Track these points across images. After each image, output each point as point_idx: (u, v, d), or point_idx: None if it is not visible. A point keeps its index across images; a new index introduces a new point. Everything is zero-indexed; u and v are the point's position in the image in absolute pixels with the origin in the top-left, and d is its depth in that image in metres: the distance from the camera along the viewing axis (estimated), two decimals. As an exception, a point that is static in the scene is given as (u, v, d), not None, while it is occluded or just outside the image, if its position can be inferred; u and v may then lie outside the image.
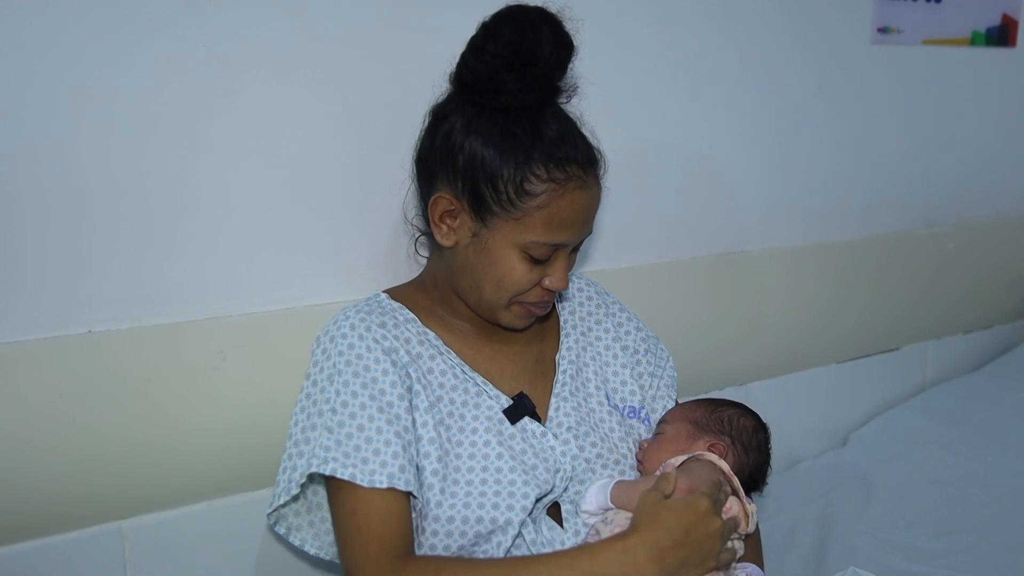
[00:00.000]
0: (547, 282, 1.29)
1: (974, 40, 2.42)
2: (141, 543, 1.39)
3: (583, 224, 1.28)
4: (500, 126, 1.23)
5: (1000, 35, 2.48)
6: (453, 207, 1.27)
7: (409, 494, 1.23)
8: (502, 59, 1.21)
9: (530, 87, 1.22)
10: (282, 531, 1.35)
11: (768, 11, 2.02)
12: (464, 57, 1.26)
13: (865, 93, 2.24)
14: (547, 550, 1.27)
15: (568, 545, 1.29)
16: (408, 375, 1.28)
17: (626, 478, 1.34)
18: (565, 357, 1.42)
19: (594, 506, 1.29)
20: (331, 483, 1.24)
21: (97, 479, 1.38)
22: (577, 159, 1.24)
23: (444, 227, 1.29)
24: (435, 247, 1.37)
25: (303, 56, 1.46)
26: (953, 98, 2.43)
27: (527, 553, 1.26)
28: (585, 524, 1.30)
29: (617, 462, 1.36)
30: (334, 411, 1.25)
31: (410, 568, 1.17)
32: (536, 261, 1.26)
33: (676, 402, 1.50)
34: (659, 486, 1.20)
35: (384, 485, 1.20)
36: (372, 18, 1.50)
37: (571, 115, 1.31)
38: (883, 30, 2.22)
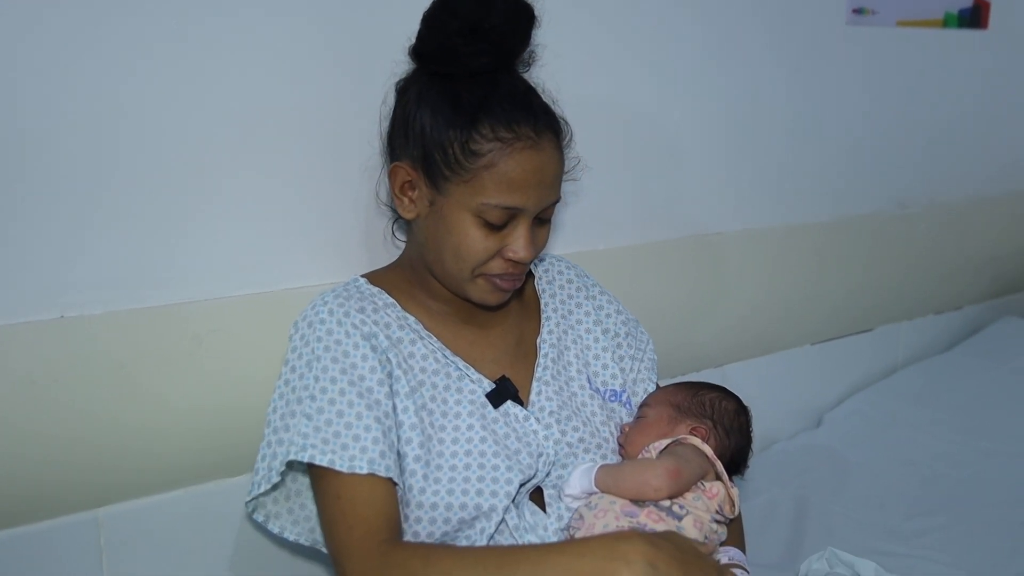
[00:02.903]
0: (509, 252, 1.26)
1: (947, 21, 2.44)
2: (117, 531, 1.37)
3: (538, 187, 1.24)
4: (450, 92, 1.23)
5: (972, 17, 2.49)
6: (411, 177, 1.27)
7: (391, 480, 1.21)
8: (454, 27, 1.21)
9: (483, 51, 1.22)
10: (261, 519, 1.34)
11: (744, -8, 2.02)
12: (419, 30, 1.26)
13: (839, 74, 2.25)
14: (530, 535, 1.27)
15: (551, 529, 1.28)
16: (388, 360, 1.27)
17: (609, 462, 1.33)
18: (547, 340, 1.41)
19: (578, 490, 1.28)
20: (314, 470, 1.23)
21: (72, 467, 1.36)
22: (527, 120, 1.23)
23: (406, 199, 1.29)
24: (407, 226, 1.37)
25: (275, 38, 1.43)
26: (925, 79, 2.45)
27: (510, 539, 1.26)
28: (568, 508, 1.29)
29: (599, 446, 1.35)
30: (313, 397, 1.23)
31: (397, 552, 1.15)
32: (492, 227, 1.24)
33: (657, 385, 1.50)
34: None
35: (364, 471, 1.18)
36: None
37: (530, 83, 1.30)
38: (858, 11, 2.22)
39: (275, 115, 1.45)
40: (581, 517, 1.25)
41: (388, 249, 1.51)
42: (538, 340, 1.41)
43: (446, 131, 1.22)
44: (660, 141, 1.96)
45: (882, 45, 2.31)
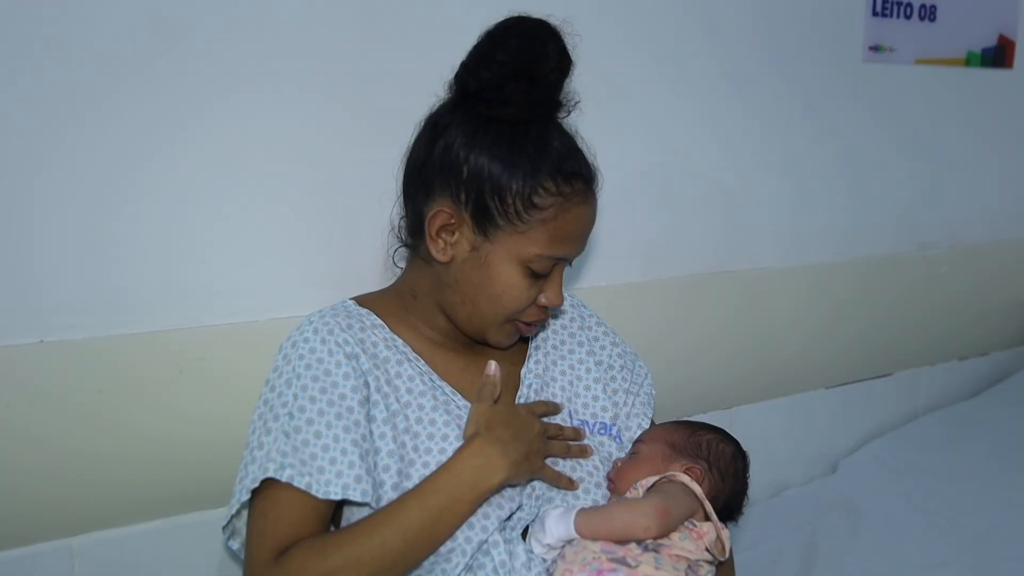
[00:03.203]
0: (543, 299, 1.27)
1: (969, 60, 2.39)
2: (91, 562, 1.34)
3: (583, 239, 1.27)
4: (507, 139, 1.21)
5: (996, 56, 2.44)
6: (453, 221, 1.23)
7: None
8: (510, 69, 1.18)
9: (536, 100, 1.21)
10: (236, 547, 1.29)
11: (759, 28, 1.99)
12: (469, 65, 1.22)
13: (856, 112, 2.20)
14: (524, 571, 1.22)
15: (535, 564, 1.23)
16: (367, 384, 1.24)
17: (584, 505, 1.27)
18: (532, 371, 1.38)
19: (554, 538, 1.21)
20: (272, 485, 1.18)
21: (46, 494, 1.34)
22: (582, 173, 1.24)
23: (441, 242, 1.25)
24: (419, 259, 1.32)
25: (271, 66, 1.43)
26: (947, 119, 2.40)
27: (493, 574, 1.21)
28: (543, 559, 1.23)
29: (581, 479, 1.31)
30: (291, 415, 1.20)
31: (292, 553, 1.13)
32: (535, 276, 1.24)
33: (652, 420, 1.45)
34: (484, 394, 1.25)
35: (337, 496, 1.15)
36: (334, 29, 1.48)
37: (569, 130, 1.28)
38: (875, 48, 2.19)
39: (262, 143, 1.44)
40: (563, 556, 1.20)
41: (376, 279, 1.49)
42: (522, 371, 1.37)
43: (508, 181, 1.20)
44: (669, 178, 1.93)
45: (900, 83, 2.27)
